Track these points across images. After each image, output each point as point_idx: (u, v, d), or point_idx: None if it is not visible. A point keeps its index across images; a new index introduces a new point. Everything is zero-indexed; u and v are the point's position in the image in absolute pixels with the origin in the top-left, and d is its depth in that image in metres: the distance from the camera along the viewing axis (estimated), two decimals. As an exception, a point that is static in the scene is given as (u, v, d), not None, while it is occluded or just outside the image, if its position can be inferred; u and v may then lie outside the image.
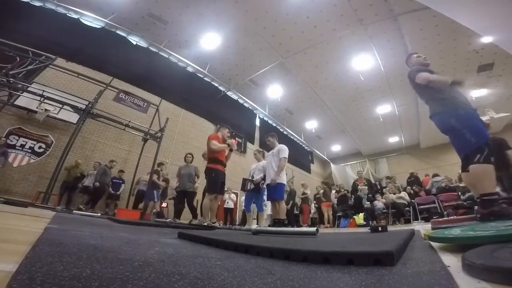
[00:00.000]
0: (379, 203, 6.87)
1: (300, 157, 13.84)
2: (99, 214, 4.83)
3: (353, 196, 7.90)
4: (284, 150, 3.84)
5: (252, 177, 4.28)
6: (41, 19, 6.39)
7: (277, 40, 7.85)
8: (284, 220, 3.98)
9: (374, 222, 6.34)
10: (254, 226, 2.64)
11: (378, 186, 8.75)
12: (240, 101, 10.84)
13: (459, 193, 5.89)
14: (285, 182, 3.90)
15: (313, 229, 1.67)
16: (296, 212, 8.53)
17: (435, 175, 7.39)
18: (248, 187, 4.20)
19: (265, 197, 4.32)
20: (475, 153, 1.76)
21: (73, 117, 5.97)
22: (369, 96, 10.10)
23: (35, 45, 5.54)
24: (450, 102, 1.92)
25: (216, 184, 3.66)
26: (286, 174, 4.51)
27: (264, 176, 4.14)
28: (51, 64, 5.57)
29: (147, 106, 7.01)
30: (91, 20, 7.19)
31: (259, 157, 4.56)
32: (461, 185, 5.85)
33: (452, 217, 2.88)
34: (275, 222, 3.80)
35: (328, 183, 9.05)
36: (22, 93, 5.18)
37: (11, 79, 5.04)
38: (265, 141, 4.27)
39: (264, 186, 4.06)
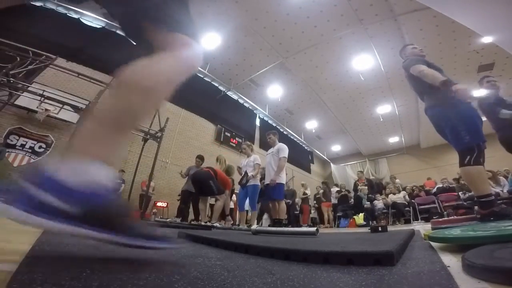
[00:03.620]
0: (379, 203, 6.87)
1: (300, 157, 13.85)
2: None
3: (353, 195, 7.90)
4: (283, 150, 3.81)
5: (245, 173, 4.18)
6: (41, 19, 6.39)
7: (277, 40, 7.85)
8: (283, 220, 3.97)
9: (374, 222, 6.33)
10: (254, 226, 2.64)
11: (380, 187, 8.73)
12: (240, 101, 10.84)
13: (459, 193, 5.89)
14: (284, 182, 3.87)
15: (313, 229, 1.67)
16: (296, 212, 8.53)
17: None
18: (244, 181, 4.15)
19: None
20: (465, 154, 1.72)
21: (74, 117, 5.97)
22: (369, 96, 10.10)
23: (35, 45, 5.54)
24: (449, 96, 1.85)
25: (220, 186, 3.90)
26: (286, 174, 4.47)
27: (264, 175, 4.12)
28: (51, 64, 5.57)
29: (147, 106, 7.01)
30: (91, 20, 7.20)
31: (248, 152, 4.35)
32: (462, 181, 5.83)
33: (452, 217, 2.88)
34: (275, 222, 3.80)
35: (328, 183, 9.04)
36: (22, 93, 5.19)
37: (11, 79, 5.04)
38: (265, 140, 4.24)
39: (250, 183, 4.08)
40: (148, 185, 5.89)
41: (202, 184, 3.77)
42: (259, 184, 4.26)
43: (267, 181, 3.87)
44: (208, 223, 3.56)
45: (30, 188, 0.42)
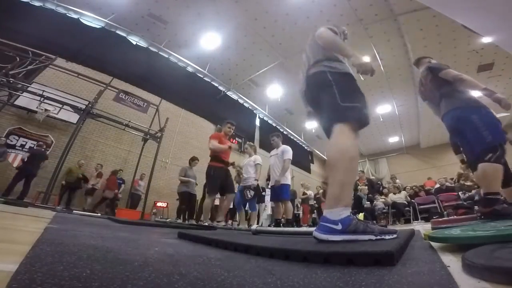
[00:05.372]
0: (379, 203, 6.87)
1: (300, 157, 13.85)
2: (99, 214, 4.84)
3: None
4: (288, 152, 3.84)
5: (246, 187, 4.09)
6: (41, 19, 6.39)
7: (277, 40, 7.85)
8: (282, 220, 3.97)
9: (374, 222, 6.32)
10: (254, 226, 2.64)
11: (380, 186, 8.72)
12: (240, 101, 10.84)
13: (459, 193, 5.89)
14: (289, 183, 3.89)
15: (313, 229, 1.67)
16: (297, 212, 8.53)
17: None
18: (249, 196, 4.02)
19: (267, 198, 4.23)
20: (487, 151, 1.76)
21: (73, 117, 5.97)
22: (369, 96, 10.09)
23: (35, 45, 5.54)
24: (471, 100, 1.97)
25: (213, 183, 3.49)
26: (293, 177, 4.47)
27: (269, 177, 4.10)
28: (51, 64, 5.57)
29: (147, 106, 7.03)
30: (91, 20, 7.20)
31: (250, 151, 4.36)
32: (467, 183, 5.82)
33: (452, 217, 2.88)
34: (277, 222, 3.80)
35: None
36: (22, 93, 5.19)
37: (11, 79, 5.04)
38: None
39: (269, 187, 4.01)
40: (148, 184, 5.89)
41: (225, 181, 3.59)
42: (258, 184, 4.26)
43: (272, 183, 3.89)
44: (213, 223, 3.53)
45: (324, 224, 0.99)
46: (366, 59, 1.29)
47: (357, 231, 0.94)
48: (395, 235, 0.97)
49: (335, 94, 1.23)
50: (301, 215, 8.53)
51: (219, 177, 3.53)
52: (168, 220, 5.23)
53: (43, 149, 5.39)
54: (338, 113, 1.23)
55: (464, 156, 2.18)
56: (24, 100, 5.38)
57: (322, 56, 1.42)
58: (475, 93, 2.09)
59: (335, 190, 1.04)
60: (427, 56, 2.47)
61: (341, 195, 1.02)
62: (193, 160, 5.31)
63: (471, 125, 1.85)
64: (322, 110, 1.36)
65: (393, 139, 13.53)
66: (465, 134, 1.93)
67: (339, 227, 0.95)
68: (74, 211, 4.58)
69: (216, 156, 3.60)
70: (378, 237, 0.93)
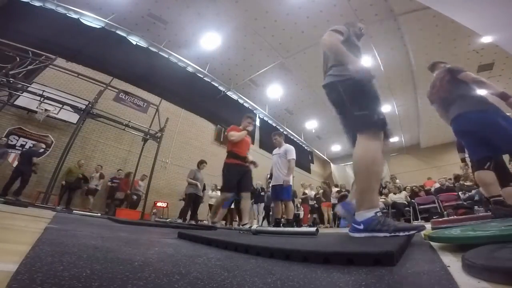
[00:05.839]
0: (379, 203, 6.87)
1: (300, 157, 13.82)
2: (99, 214, 4.84)
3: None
4: (292, 151, 3.84)
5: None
6: (41, 19, 6.39)
7: (277, 40, 7.85)
8: (292, 220, 3.97)
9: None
10: (254, 226, 2.63)
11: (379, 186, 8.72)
12: (240, 101, 10.84)
13: (459, 193, 5.89)
14: (291, 183, 3.89)
15: (313, 229, 1.67)
16: (297, 212, 8.52)
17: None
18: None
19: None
20: None
21: (73, 117, 5.97)
22: (369, 96, 10.08)
23: (35, 45, 5.54)
24: (489, 103, 2.00)
25: (228, 181, 3.17)
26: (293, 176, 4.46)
27: (271, 175, 4.09)
28: (51, 64, 5.57)
29: (147, 106, 7.02)
30: (91, 20, 7.20)
31: None
32: (466, 183, 5.81)
33: (452, 217, 2.88)
34: (276, 221, 3.80)
35: (329, 183, 9.04)
36: (22, 93, 5.18)
37: (11, 79, 5.04)
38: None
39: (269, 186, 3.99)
40: (148, 184, 5.89)
41: (242, 179, 3.23)
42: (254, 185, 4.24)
43: (273, 182, 3.87)
44: (209, 222, 3.52)
45: (353, 224, 1.20)
46: (365, 63, 1.35)
47: (374, 230, 1.10)
48: (413, 232, 1.07)
49: (347, 106, 1.37)
50: (301, 215, 8.52)
51: (236, 175, 3.19)
52: (168, 220, 5.23)
53: (40, 150, 5.41)
54: (354, 122, 1.37)
55: (467, 156, 2.20)
56: (24, 100, 5.38)
57: (331, 61, 1.55)
58: (481, 93, 2.12)
59: (357, 196, 1.23)
60: (442, 61, 2.53)
61: (362, 200, 1.20)
62: (201, 163, 5.47)
63: (498, 127, 1.90)
64: (343, 117, 1.54)
65: (393, 139, 13.52)
66: (486, 136, 1.96)
67: (361, 227, 1.15)
68: (74, 211, 4.58)
69: (232, 152, 3.29)
70: (392, 234, 1.05)
